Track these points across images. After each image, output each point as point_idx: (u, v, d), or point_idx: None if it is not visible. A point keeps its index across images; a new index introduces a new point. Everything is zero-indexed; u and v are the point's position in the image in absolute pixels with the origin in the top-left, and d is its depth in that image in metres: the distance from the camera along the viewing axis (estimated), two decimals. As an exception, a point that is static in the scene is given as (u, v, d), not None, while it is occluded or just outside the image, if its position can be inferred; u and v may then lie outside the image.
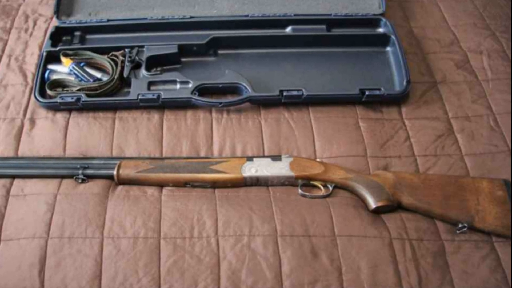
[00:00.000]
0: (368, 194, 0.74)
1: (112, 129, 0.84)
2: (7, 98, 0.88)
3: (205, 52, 0.94)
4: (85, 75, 0.89)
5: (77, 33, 0.97)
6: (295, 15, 0.98)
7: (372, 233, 0.71)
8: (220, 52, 0.96)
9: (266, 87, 0.88)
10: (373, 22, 0.99)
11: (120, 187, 0.76)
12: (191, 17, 0.97)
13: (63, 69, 0.90)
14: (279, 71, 0.93)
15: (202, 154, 0.82)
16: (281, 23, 0.98)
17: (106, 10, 0.99)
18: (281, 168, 0.76)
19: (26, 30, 1.00)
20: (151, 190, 0.75)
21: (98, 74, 0.90)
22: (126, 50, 0.91)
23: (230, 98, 0.88)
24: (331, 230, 0.71)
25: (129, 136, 0.83)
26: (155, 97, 0.85)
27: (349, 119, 0.86)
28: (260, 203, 0.74)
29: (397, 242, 0.70)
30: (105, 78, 0.89)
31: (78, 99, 0.84)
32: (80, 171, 0.75)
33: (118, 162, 0.77)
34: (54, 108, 0.86)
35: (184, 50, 0.93)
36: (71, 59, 0.90)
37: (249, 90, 0.87)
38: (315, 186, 0.77)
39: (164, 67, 0.92)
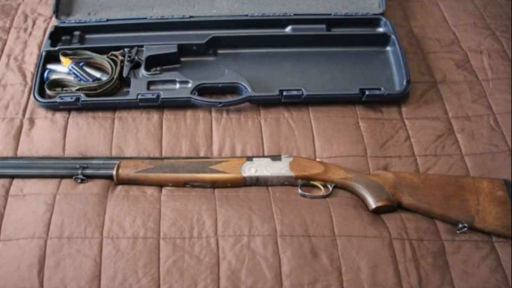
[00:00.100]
0: (368, 194, 0.74)
1: (111, 129, 0.84)
2: (6, 98, 0.88)
3: (204, 52, 0.94)
4: (84, 74, 0.89)
5: (77, 33, 0.97)
6: (294, 14, 0.98)
7: (372, 233, 0.71)
8: (219, 51, 0.96)
9: (266, 87, 0.88)
10: (373, 21, 0.99)
11: (119, 187, 0.76)
12: (191, 16, 0.97)
13: (63, 68, 0.90)
14: (279, 71, 0.93)
15: (202, 154, 0.82)
16: (280, 22, 0.98)
17: (106, 10, 0.98)
18: (280, 168, 0.76)
19: (25, 30, 1.00)
20: (150, 190, 0.75)
21: (97, 74, 0.90)
22: (126, 49, 0.91)
23: (229, 98, 0.87)
24: (331, 230, 0.71)
25: (128, 136, 0.83)
26: (154, 97, 0.85)
27: (349, 119, 0.86)
28: (260, 203, 0.74)
29: (397, 242, 0.70)
30: (105, 78, 0.88)
31: (78, 99, 0.84)
32: (80, 171, 0.75)
33: (117, 162, 0.77)
34: (53, 108, 0.86)
35: (184, 49, 0.93)
36: (70, 58, 0.90)
37: (249, 90, 0.86)
38: (315, 186, 0.77)
39: (164, 67, 0.92)
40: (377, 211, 0.74)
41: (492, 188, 0.73)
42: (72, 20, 0.96)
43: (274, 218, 0.72)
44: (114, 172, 0.75)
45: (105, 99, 0.86)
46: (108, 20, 0.96)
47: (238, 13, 0.98)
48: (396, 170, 0.79)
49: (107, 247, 0.68)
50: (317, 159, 0.81)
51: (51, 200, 0.73)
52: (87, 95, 0.85)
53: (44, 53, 0.91)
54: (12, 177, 0.77)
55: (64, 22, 0.96)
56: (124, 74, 0.88)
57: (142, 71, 0.90)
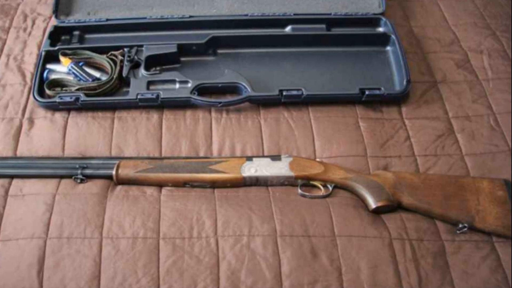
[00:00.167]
0: (368, 194, 0.74)
1: (111, 129, 0.83)
2: (5, 98, 0.88)
3: (204, 52, 0.94)
4: (84, 74, 0.89)
5: (76, 33, 0.96)
6: (294, 14, 0.98)
7: (372, 233, 0.70)
8: (219, 51, 0.95)
9: (266, 86, 0.87)
10: (373, 21, 0.99)
11: (119, 187, 0.76)
12: (191, 16, 0.97)
13: (62, 68, 0.90)
14: (279, 71, 0.92)
15: (202, 154, 0.81)
16: (280, 22, 0.98)
17: (105, 10, 0.98)
18: (280, 168, 0.76)
19: (24, 30, 1.00)
20: (150, 190, 0.75)
21: (97, 74, 0.90)
22: (125, 49, 0.91)
23: (229, 98, 0.87)
24: (331, 230, 0.71)
25: (128, 136, 0.83)
26: (154, 96, 0.84)
27: (349, 119, 0.86)
28: (260, 203, 0.74)
29: (397, 242, 0.70)
30: (104, 78, 0.88)
31: (77, 98, 0.84)
32: (79, 171, 0.75)
33: (117, 162, 0.76)
34: (53, 107, 0.86)
35: (184, 49, 0.92)
36: (70, 58, 0.90)
37: (249, 89, 0.86)
38: (314, 186, 0.76)
39: (163, 67, 0.92)
40: (377, 211, 0.74)
41: (492, 188, 0.73)
42: (71, 20, 0.96)
43: (274, 218, 0.72)
44: (113, 172, 0.75)
45: (104, 99, 0.86)
46: (107, 19, 0.96)
47: (238, 13, 0.98)
48: (396, 170, 0.79)
49: (107, 247, 0.68)
50: (317, 159, 0.81)
51: (51, 200, 0.73)
52: (87, 95, 0.84)
53: (43, 53, 0.91)
54: (12, 177, 0.77)
55: (64, 22, 0.96)
56: (124, 74, 0.88)
57: (142, 71, 0.89)
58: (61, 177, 0.76)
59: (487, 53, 0.97)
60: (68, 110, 0.86)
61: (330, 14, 0.98)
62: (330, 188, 0.76)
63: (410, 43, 0.99)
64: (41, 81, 0.88)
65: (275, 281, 0.66)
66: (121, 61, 0.90)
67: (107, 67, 0.90)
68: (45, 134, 0.83)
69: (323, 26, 0.98)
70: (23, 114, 0.86)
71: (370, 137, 0.83)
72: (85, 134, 0.83)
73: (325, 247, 0.69)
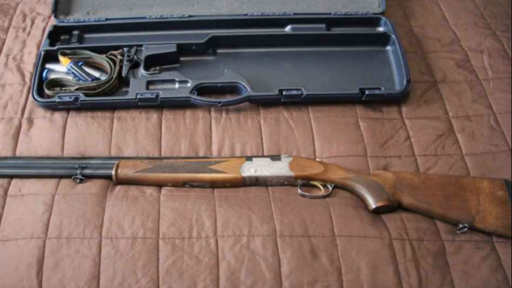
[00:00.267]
0: (368, 194, 0.73)
1: (110, 129, 0.83)
2: (4, 98, 0.87)
3: (204, 51, 0.94)
4: (83, 74, 0.88)
5: (75, 32, 0.96)
6: (294, 14, 0.97)
7: (372, 234, 0.70)
8: (219, 51, 0.95)
9: (266, 86, 0.87)
10: (373, 21, 0.98)
11: (118, 187, 0.76)
12: (190, 16, 0.97)
13: (61, 68, 0.90)
14: (279, 71, 0.92)
15: (201, 154, 0.81)
16: (280, 22, 0.98)
17: (105, 9, 0.98)
18: (280, 168, 0.76)
19: (24, 29, 0.99)
20: (149, 190, 0.75)
21: (96, 74, 0.90)
22: (125, 49, 0.91)
23: (229, 98, 0.87)
24: (331, 230, 0.71)
25: (127, 136, 0.83)
26: (153, 96, 0.84)
27: (349, 119, 0.86)
28: (259, 203, 0.73)
29: (397, 243, 0.70)
30: (104, 78, 0.88)
31: (76, 98, 0.84)
32: (78, 171, 0.75)
33: (116, 162, 0.76)
34: (52, 107, 0.85)
35: (183, 49, 0.92)
36: (69, 58, 0.90)
37: (248, 89, 0.86)
38: (314, 186, 0.76)
39: (163, 67, 0.92)
40: (377, 211, 0.74)
41: (493, 188, 0.73)
42: (71, 19, 0.96)
43: (274, 218, 0.71)
44: (113, 172, 0.75)
45: (104, 98, 0.86)
46: (107, 19, 0.96)
47: (237, 13, 0.98)
48: (396, 170, 0.78)
49: (106, 247, 0.68)
50: (317, 159, 0.81)
51: (50, 200, 0.73)
52: (86, 95, 0.84)
53: (42, 53, 0.90)
54: (11, 177, 0.77)
55: (63, 22, 0.96)
56: (123, 73, 0.88)
57: (141, 71, 0.89)
58: (60, 177, 0.76)
59: (487, 52, 0.96)
60: (68, 110, 0.86)
61: (330, 13, 0.98)
62: (330, 188, 0.75)
63: (410, 42, 0.99)
64: (40, 80, 0.88)
65: (274, 281, 0.66)
66: (121, 60, 0.89)
67: (106, 67, 0.89)
68: (44, 134, 0.83)
69: (323, 25, 0.98)
70: (22, 114, 0.85)
71: (370, 137, 0.83)
72: (85, 134, 0.83)
73: (325, 247, 0.69)
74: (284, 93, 0.85)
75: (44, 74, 0.89)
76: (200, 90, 0.87)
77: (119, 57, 0.90)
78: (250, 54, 0.95)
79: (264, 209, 0.72)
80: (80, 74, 0.88)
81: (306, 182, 0.76)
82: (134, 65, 0.90)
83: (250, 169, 0.75)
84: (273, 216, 0.72)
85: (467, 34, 1.00)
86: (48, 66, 0.90)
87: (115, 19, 0.96)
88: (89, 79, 0.88)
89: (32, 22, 1.01)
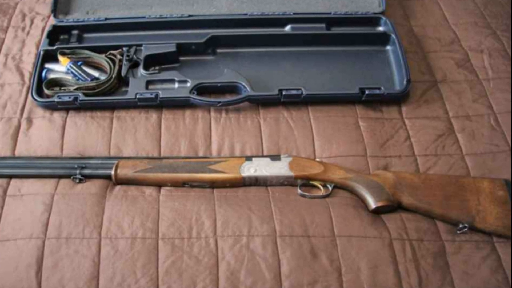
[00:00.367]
0: (368, 194, 0.73)
1: (110, 129, 0.83)
2: (4, 98, 0.87)
3: (203, 51, 0.94)
4: (82, 74, 0.88)
5: (75, 32, 0.96)
6: (294, 13, 0.97)
7: (372, 234, 0.70)
8: (218, 51, 0.95)
9: (265, 86, 0.87)
10: (373, 20, 0.98)
11: (118, 187, 0.75)
12: (190, 15, 0.97)
13: (61, 68, 0.90)
14: (278, 70, 0.92)
15: (201, 154, 0.81)
16: (280, 21, 0.98)
17: (104, 9, 0.98)
18: (280, 168, 0.76)
19: (23, 29, 0.99)
20: (149, 190, 0.75)
21: (95, 73, 0.90)
22: (124, 49, 0.91)
23: (228, 98, 0.87)
24: (331, 230, 0.70)
25: (127, 136, 0.83)
26: (153, 96, 0.84)
27: (349, 119, 0.86)
28: (259, 203, 0.73)
29: (397, 243, 0.70)
30: (103, 77, 0.88)
31: (76, 98, 0.83)
32: (78, 171, 0.75)
33: (116, 161, 0.76)
34: (52, 107, 0.85)
35: (183, 49, 0.92)
36: (68, 58, 0.90)
37: (248, 89, 0.86)
38: (314, 186, 0.76)
39: (162, 66, 0.92)
40: (377, 211, 0.73)
41: (493, 188, 0.73)
42: (70, 19, 0.96)
43: (274, 218, 0.71)
44: (112, 172, 0.75)
45: (103, 98, 0.85)
46: (106, 19, 0.96)
47: (237, 12, 0.98)
48: (396, 170, 0.78)
49: (106, 247, 0.68)
50: (317, 159, 0.80)
51: (49, 200, 0.73)
52: (85, 95, 0.84)
53: (42, 52, 0.90)
54: (10, 177, 0.77)
55: (62, 21, 0.96)
56: (123, 73, 0.88)
57: (141, 71, 0.89)
58: (60, 177, 0.76)
59: (487, 52, 0.96)
60: (67, 110, 0.86)
61: (330, 13, 0.98)
62: (330, 188, 0.75)
63: (410, 42, 0.99)
64: (40, 80, 0.88)
65: (274, 282, 0.66)
66: (120, 60, 0.89)
67: (105, 67, 0.89)
68: (44, 134, 0.82)
69: (323, 25, 0.97)
70: (21, 114, 0.85)
71: (370, 137, 0.83)
72: (84, 134, 0.82)
73: (325, 248, 0.69)
74: (284, 93, 0.85)
75: (43, 74, 0.89)
76: (200, 90, 0.87)
77: (119, 56, 0.90)
78: (249, 53, 0.95)
79: (264, 209, 0.72)
80: (80, 74, 0.88)
81: (306, 182, 0.76)
82: (134, 64, 0.90)
83: (250, 169, 0.75)
84: (272, 216, 0.72)
85: (467, 34, 1.00)
86: (47, 65, 0.90)
87: (115, 18, 0.96)
88: (89, 79, 0.88)
89: (31, 22, 1.00)
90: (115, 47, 0.91)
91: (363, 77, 0.91)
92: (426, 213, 0.73)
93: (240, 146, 0.82)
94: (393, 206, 0.73)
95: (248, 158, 0.77)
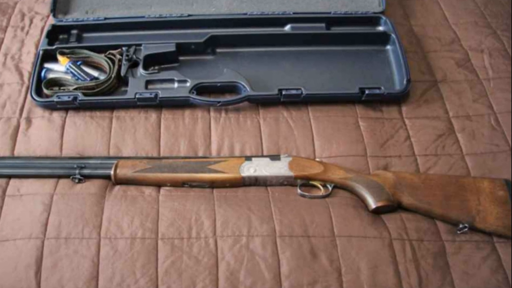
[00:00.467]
0: (368, 194, 0.73)
1: (109, 129, 0.83)
2: (3, 97, 0.87)
3: (203, 51, 0.94)
4: (82, 73, 0.88)
5: (74, 32, 0.96)
6: (294, 13, 0.97)
7: (372, 234, 0.70)
8: (218, 50, 0.95)
9: (265, 86, 0.87)
10: (373, 20, 0.98)
11: (117, 187, 0.75)
12: (189, 15, 0.97)
13: (60, 67, 0.90)
14: (278, 70, 0.92)
15: (200, 154, 0.81)
16: (280, 21, 0.98)
17: (103, 8, 0.98)
18: (280, 168, 0.75)
19: (22, 29, 0.99)
20: (148, 190, 0.75)
21: (95, 73, 0.90)
22: (124, 48, 0.91)
23: (228, 97, 0.87)
24: (331, 230, 0.70)
25: (126, 136, 0.82)
26: (152, 96, 0.84)
27: (349, 118, 0.86)
28: (259, 203, 0.73)
29: (397, 243, 0.70)
30: (102, 77, 0.88)
31: (75, 98, 0.83)
32: (77, 171, 0.75)
33: (115, 161, 0.76)
34: (51, 107, 0.85)
35: (182, 48, 0.92)
36: (67, 57, 0.89)
37: (248, 89, 0.86)
38: (314, 186, 0.76)
39: (162, 66, 0.92)
40: (377, 211, 0.73)
41: (493, 188, 0.73)
42: (69, 18, 0.96)
43: (273, 218, 0.71)
44: (111, 172, 0.75)
45: (102, 98, 0.85)
46: (105, 18, 0.96)
47: (236, 12, 0.98)
48: (396, 170, 0.78)
49: (105, 247, 0.68)
50: (317, 159, 0.80)
51: (49, 200, 0.72)
52: (85, 94, 0.84)
53: (41, 52, 0.90)
54: (9, 177, 0.76)
55: (62, 21, 0.96)
56: (122, 73, 0.88)
57: (140, 70, 0.89)
58: (59, 177, 0.76)
59: (487, 52, 0.96)
60: (66, 110, 0.85)
61: (329, 13, 0.98)
62: (330, 188, 0.75)
63: (410, 42, 0.98)
64: (39, 80, 0.87)
65: (274, 282, 0.65)
66: (119, 60, 0.89)
67: (105, 66, 0.89)
68: (43, 134, 0.82)
69: (323, 25, 0.97)
70: (20, 114, 0.85)
71: (370, 137, 0.83)
72: (83, 134, 0.82)
73: (325, 248, 0.68)
74: (283, 92, 0.85)
75: (42, 74, 0.89)
76: (199, 89, 0.87)
77: (118, 56, 0.90)
78: (249, 53, 0.95)
79: (264, 209, 0.72)
80: (79, 74, 0.88)
81: (306, 182, 0.76)
82: (133, 64, 0.90)
83: (250, 169, 0.75)
84: (272, 216, 0.71)
85: (467, 34, 1.00)
86: (47, 65, 0.90)
87: (114, 18, 0.96)
88: (88, 79, 0.88)
89: (31, 22, 1.00)
90: (115, 47, 0.91)
91: (363, 77, 0.91)
92: (426, 213, 0.73)
93: (240, 146, 0.82)
94: (393, 206, 0.73)
95: (248, 158, 0.77)
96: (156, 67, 0.91)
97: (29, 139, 0.82)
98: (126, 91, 0.86)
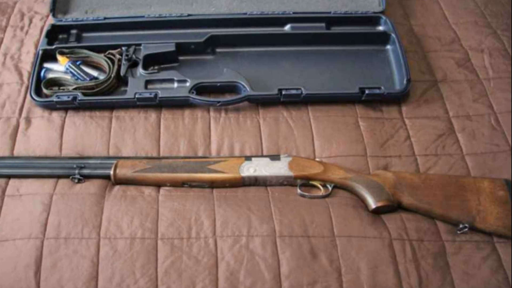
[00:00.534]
0: (368, 194, 0.73)
1: (108, 128, 0.83)
2: (2, 97, 0.87)
3: (203, 51, 0.94)
4: (81, 73, 0.88)
5: (74, 31, 0.96)
6: (294, 13, 0.97)
7: (372, 234, 0.70)
8: (218, 50, 0.95)
9: (265, 86, 0.87)
10: (373, 20, 0.98)
11: (117, 187, 0.75)
12: (189, 15, 0.96)
13: (59, 67, 0.90)
14: (278, 70, 0.92)
15: (200, 154, 0.81)
16: (280, 21, 0.98)
17: (103, 8, 0.98)
18: (280, 168, 0.75)
19: (21, 28, 0.99)
20: (148, 190, 0.75)
21: (94, 73, 0.90)
22: (123, 48, 0.91)
23: (228, 97, 0.87)
24: (331, 230, 0.70)
25: (126, 136, 0.82)
26: (152, 96, 0.84)
27: (349, 118, 0.85)
28: (259, 203, 0.73)
29: (397, 243, 0.69)
30: (102, 77, 0.88)
31: (75, 98, 0.83)
32: (77, 171, 0.75)
33: (115, 161, 0.76)
34: (50, 107, 0.85)
35: (182, 48, 0.92)
36: (67, 57, 0.89)
37: (248, 89, 0.86)
38: (314, 186, 0.76)
39: (162, 66, 0.92)
40: (377, 211, 0.73)
41: (493, 188, 0.72)
42: (69, 18, 0.96)
43: (273, 218, 0.71)
44: (111, 172, 0.75)
45: (102, 98, 0.85)
46: (105, 18, 0.96)
47: (236, 11, 0.97)
48: (396, 170, 0.78)
49: (105, 247, 0.68)
50: (317, 159, 0.80)
51: (48, 200, 0.72)
52: (84, 94, 0.84)
53: (40, 52, 0.90)
54: (9, 177, 0.76)
55: (61, 21, 0.95)
56: (122, 73, 0.88)
57: (140, 70, 0.89)
58: (59, 177, 0.76)
59: (487, 52, 0.96)
60: (66, 110, 0.85)
61: (329, 12, 0.98)
62: (330, 188, 0.75)
63: (410, 42, 0.98)
64: (38, 80, 0.87)
65: (274, 282, 0.65)
66: (119, 60, 0.89)
67: (104, 66, 0.89)
68: (42, 134, 0.82)
69: (323, 24, 0.97)
70: (20, 114, 0.85)
71: (370, 137, 0.83)
72: (83, 134, 0.82)
73: (325, 248, 0.68)
74: (283, 92, 0.85)
75: (42, 74, 0.89)
76: (199, 89, 0.86)
77: (118, 56, 0.90)
78: (249, 53, 0.94)
79: (264, 209, 0.72)
80: (78, 74, 0.88)
81: (306, 182, 0.76)
82: (133, 64, 0.90)
83: (249, 169, 0.75)
84: (272, 216, 0.71)
85: (467, 33, 1.00)
86: (46, 65, 0.90)
87: (114, 18, 0.96)
88: (88, 79, 0.88)
89: (30, 21, 1.00)
90: (114, 47, 0.91)
91: (363, 76, 0.91)
92: (426, 213, 0.73)
93: (240, 146, 0.82)
94: (393, 206, 0.73)
95: (248, 158, 0.77)
96: (156, 67, 0.91)
97: (28, 139, 0.82)
98: (125, 91, 0.86)
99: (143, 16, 0.96)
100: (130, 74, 0.88)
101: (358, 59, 0.94)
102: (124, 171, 0.75)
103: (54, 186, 0.74)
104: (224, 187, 0.76)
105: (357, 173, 0.76)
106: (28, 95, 0.86)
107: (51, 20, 0.97)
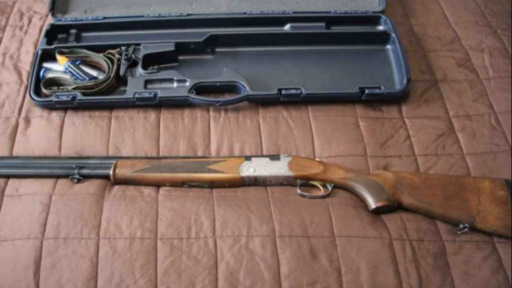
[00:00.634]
0: (368, 194, 0.73)
1: (108, 128, 0.83)
2: (1, 97, 0.87)
3: (202, 50, 0.94)
4: (80, 73, 0.88)
5: (73, 31, 0.96)
6: (293, 12, 0.97)
7: (372, 234, 0.70)
8: (217, 50, 0.95)
9: (265, 85, 0.87)
10: (373, 19, 0.98)
11: (116, 187, 0.75)
12: (188, 14, 0.96)
13: (59, 67, 0.89)
14: (278, 70, 0.92)
15: (200, 154, 0.81)
16: (279, 20, 0.97)
17: (102, 8, 0.98)
18: (279, 168, 0.75)
19: (21, 28, 0.99)
20: (147, 190, 0.75)
21: (94, 73, 0.89)
22: (123, 48, 0.90)
23: (228, 97, 0.87)
24: (330, 230, 0.70)
25: (125, 135, 0.82)
26: (151, 95, 0.84)
27: (349, 118, 0.85)
28: (259, 203, 0.73)
29: (397, 243, 0.69)
30: (101, 77, 0.88)
31: (74, 97, 0.83)
32: (76, 171, 0.75)
33: (114, 161, 0.76)
34: (50, 107, 0.85)
35: (181, 48, 0.92)
36: (66, 57, 0.89)
37: (247, 88, 0.86)
38: (314, 186, 0.76)
39: (161, 65, 0.92)
40: (377, 211, 0.73)
41: (493, 188, 0.72)
42: (68, 18, 0.96)
43: (273, 218, 0.71)
44: (110, 172, 0.75)
45: (101, 98, 0.85)
46: (104, 18, 0.96)
47: (236, 11, 0.97)
48: (396, 170, 0.78)
49: (104, 247, 0.68)
50: (316, 159, 0.80)
51: (47, 200, 0.72)
52: (84, 94, 0.84)
53: (40, 52, 0.90)
54: (8, 177, 0.76)
55: (60, 20, 0.95)
56: (121, 72, 0.88)
57: (139, 70, 0.89)
58: (58, 177, 0.76)
59: (488, 51, 0.96)
60: (65, 109, 0.85)
61: (329, 12, 0.97)
62: (330, 188, 0.75)
63: (410, 41, 0.98)
64: (38, 80, 0.87)
65: (274, 282, 0.65)
66: (118, 59, 0.89)
67: (104, 66, 0.89)
68: (42, 134, 0.82)
69: (323, 24, 0.97)
70: (19, 113, 0.85)
71: (370, 137, 0.83)
72: (82, 134, 0.82)
73: (325, 248, 0.68)
74: (283, 92, 0.84)
75: (41, 73, 0.89)
76: (199, 89, 0.86)
77: (117, 56, 0.89)
78: (249, 53, 0.94)
79: (263, 209, 0.72)
80: (78, 73, 0.88)
81: (306, 182, 0.76)
82: (132, 64, 0.89)
83: (249, 169, 0.75)
84: (272, 216, 0.71)
85: (467, 33, 1.00)
86: (46, 65, 0.90)
87: (113, 17, 0.96)
88: (87, 78, 0.88)
89: (29, 21, 1.00)
90: (114, 46, 0.91)
91: (363, 76, 0.91)
92: (426, 213, 0.73)
93: (239, 145, 0.81)
94: (393, 206, 0.73)
95: (247, 158, 0.77)
96: (155, 67, 0.91)
97: (27, 139, 0.82)
98: (125, 91, 0.86)
99: (142, 16, 0.96)
100: (129, 74, 0.88)
101: (358, 58, 0.94)
102: (124, 171, 0.75)
103: (54, 186, 0.74)
104: (223, 187, 0.75)
105: (357, 173, 0.76)
106: (27, 95, 0.86)
107: (50, 20, 0.97)
